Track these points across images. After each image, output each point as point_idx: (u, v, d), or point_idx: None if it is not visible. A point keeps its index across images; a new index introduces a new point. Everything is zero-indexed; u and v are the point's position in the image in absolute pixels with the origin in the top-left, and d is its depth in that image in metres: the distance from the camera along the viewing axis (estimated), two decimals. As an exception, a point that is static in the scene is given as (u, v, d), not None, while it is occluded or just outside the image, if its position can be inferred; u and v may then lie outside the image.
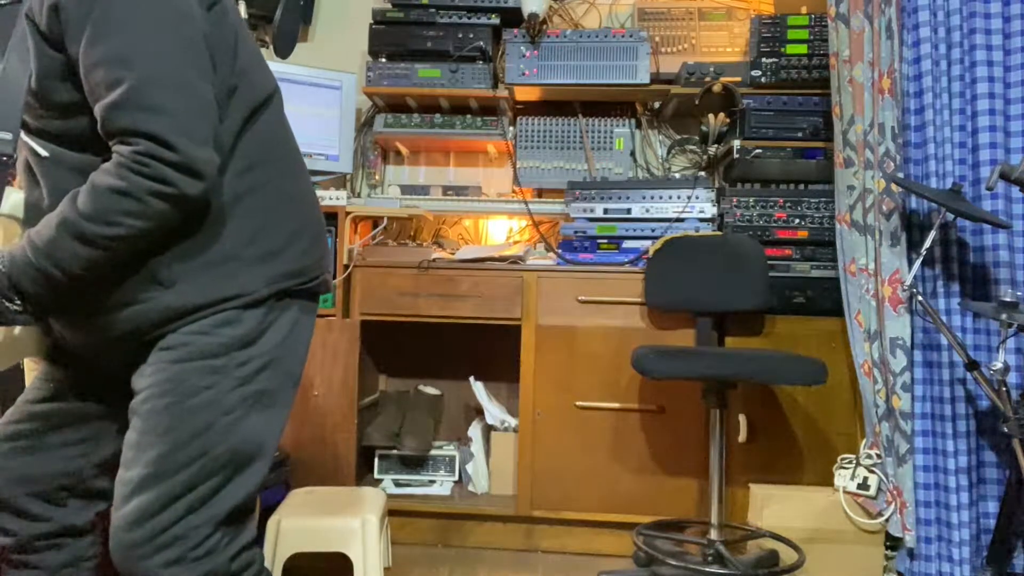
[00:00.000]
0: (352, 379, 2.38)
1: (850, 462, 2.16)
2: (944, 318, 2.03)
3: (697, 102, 2.55)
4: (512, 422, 2.50)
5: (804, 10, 2.55)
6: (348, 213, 2.47)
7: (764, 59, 2.51)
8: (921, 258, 2.04)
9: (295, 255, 1.19)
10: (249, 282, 1.12)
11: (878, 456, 2.12)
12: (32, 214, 1.13)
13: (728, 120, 2.55)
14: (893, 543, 2.13)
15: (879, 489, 2.09)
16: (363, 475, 2.52)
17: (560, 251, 2.51)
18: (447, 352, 2.81)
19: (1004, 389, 1.80)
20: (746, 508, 2.22)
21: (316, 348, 2.32)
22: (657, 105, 2.85)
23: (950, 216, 2.03)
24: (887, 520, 2.07)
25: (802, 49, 2.50)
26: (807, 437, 2.29)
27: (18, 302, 1.07)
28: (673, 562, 1.97)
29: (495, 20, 2.67)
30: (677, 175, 2.82)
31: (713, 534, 2.04)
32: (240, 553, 1.10)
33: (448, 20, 2.67)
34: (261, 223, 1.15)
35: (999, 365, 1.79)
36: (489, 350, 2.69)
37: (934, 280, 2.09)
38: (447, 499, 2.45)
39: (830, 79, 2.22)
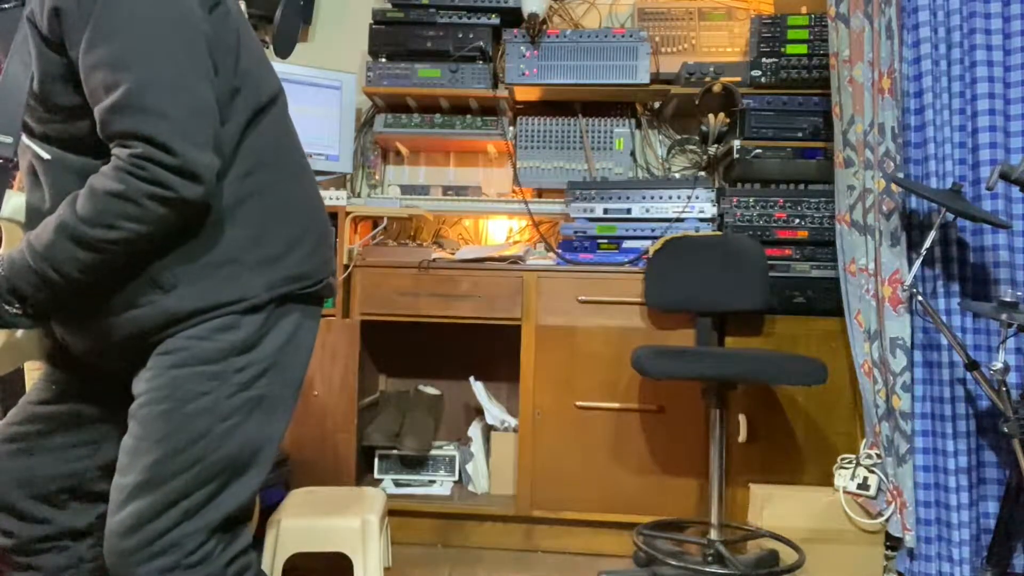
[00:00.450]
0: (352, 379, 2.38)
1: (850, 462, 2.16)
2: (944, 318, 2.03)
3: (697, 102, 2.55)
4: (512, 422, 2.50)
5: (804, 10, 2.55)
6: (348, 213, 2.47)
7: (764, 59, 2.51)
8: (921, 258, 2.04)
9: (297, 259, 1.18)
10: (250, 287, 1.11)
11: (878, 456, 2.12)
12: (34, 217, 1.12)
13: (728, 120, 2.55)
14: (893, 543, 2.13)
15: (879, 489, 2.09)
16: (363, 475, 2.52)
17: (560, 251, 2.51)
18: (447, 352, 2.81)
19: (1004, 389, 1.80)
20: (746, 508, 2.22)
21: (316, 348, 2.29)
22: (657, 105, 2.85)
23: (950, 216, 2.03)
24: (887, 520, 2.07)
25: (802, 49, 2.50)
26: (807, 437, 2.29)
27: (17, 306, 1.06)
28: (673, 562, 1.97)
29: (495, 20, 2.67)
30: (677, 175, 2.82)
31: (713, 534, 2.04)
32: (235, 559, 1.10)
33: (448, 20, 2.67)
34: (262, 227, 1.14)
35: (999, 365, 1.79)
36: (489, 350, 2.69)
37: (934, 280, 2.09)
38: (447, 499, 2.45)
39: (830, 79, 2.22)
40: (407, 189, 2.81)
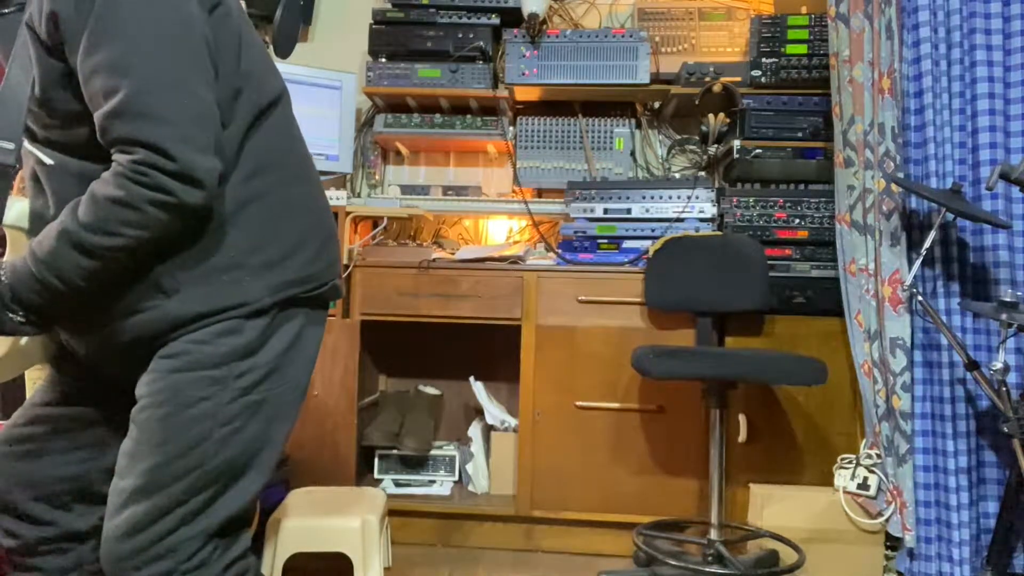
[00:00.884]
0: (352, 379, 2.38)
1: (850, 462, 2.16)
2: (944, 318, 2.03)
3: (697, 102, 2.55)
4: (512, 422, 2.50)
5: (804, 10, 2.55)
6: (348, 213, 2.47)
7: (764, 59, 2.51)
8: (921, 258, 2.04)
9: (301, 262, 1.17)
10: (253, 291, 1.11)
11: (878, 456, 2.12)
12: (37, 223, 1.12)
13: (728, 120, 2.55)
14: (893, 543, 2.13)
15: (879, 489, 2.09)
16: (363, 475, 2.52)
17: (560, 251, 2.51)
18: (447, 352, 2.81)
19: (1004, 389, 1.80)
20: (746, 508, 2.22)
21: (316, 348, 2.31)
22: (657, 105, 2.85)
23: (950, 216, 2.03)
24: (887, 520, 2.07)
25: (802, 49, 2.50)
26: (807, 437, 2.29)
27: (21, 313, 1.06)
28: (673, 562, 1.97)
29: (495, 20, 2.67)
30: (677, 175, 2.82)
31: (713, 534, 2.04)
32: (234, 563, 1.10)
33: (448, 20, 2.67)
34: (266, 230, 1.13)
35: (999, 365, 1.79)
36: (489, 350, 2.69)
37: (934, 280, 2.09)
38: (447, 499, 2.45)
39: (830, 79, 2.22)
40: (407, 189, 2.81)
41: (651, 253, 2.34)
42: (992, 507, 2.02)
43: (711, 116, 2.56)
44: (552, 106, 2.81)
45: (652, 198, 2.49)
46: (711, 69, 2.54)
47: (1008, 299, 1.76)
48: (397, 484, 2.51)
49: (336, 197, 2.43)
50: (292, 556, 1.85)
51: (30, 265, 1.03)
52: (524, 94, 2.74)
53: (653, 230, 2.46)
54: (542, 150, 2.76)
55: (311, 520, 1.89)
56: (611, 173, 2.72)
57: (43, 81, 1.05)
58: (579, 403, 2.35)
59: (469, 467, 2.55)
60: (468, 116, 2.74)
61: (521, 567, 2.26)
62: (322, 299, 1.24)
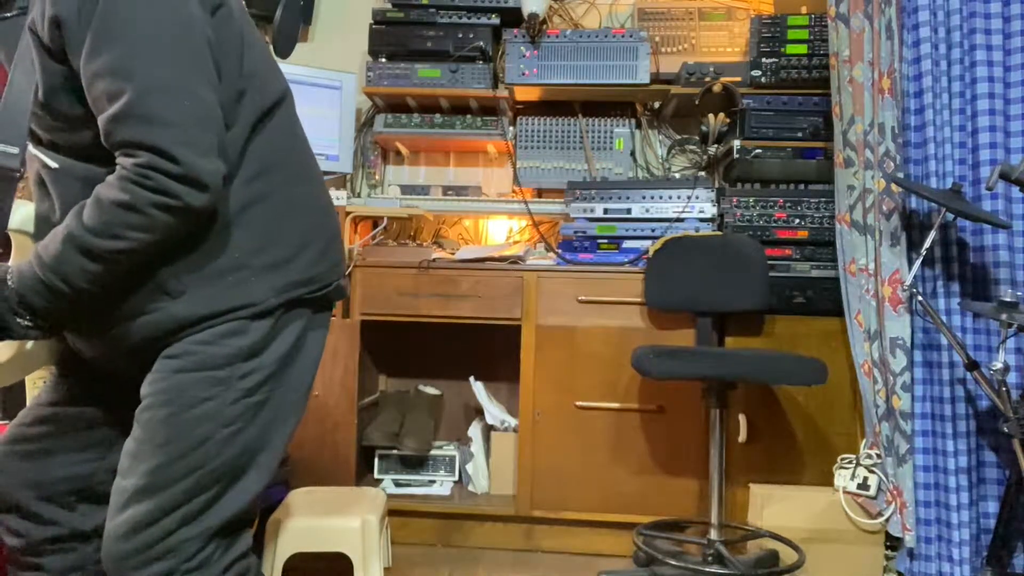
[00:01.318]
0: (352, 379, 2.38)
1: (850, 462, 2.16)
2: (944, 318, 2.03)
3: (697, 102, 2.55)
4: (512, 422, 2.50)
5: (804, 10, 2.55)
6: (348, 213, 2.47)
7: (764, 59, 2.51)
8: (921, 258, 2.04)
9: (306, 263, 1.17)
10: (258, 292, 1.11)
11: (878, 456, 2.12)
12: (43, 227, 1.12)
13: (728, 120, 2.55)
14: (893, 543, 2.13)
15: (879, 489, 2.09)
16: (363, 475, 2.52)
17: (560, 251, 2.51)
18: (447, 352, 2.81)
19: (1004, 389, 1.80)
20: (746, 508, 2.22)
21: (316, 348, 2.31)
22: (657, 105, 2.85)
23: (950, 216, 2.03)
24: (887, 520, 2.07)
25: (802, 49, 2.50)
26: (807, 437, 2.29)
27: (28, 318, 1.06)
28: (673, 562, 1.97)
29: (495, 20, 2.67)
30: (677, 175, 2.82)
31: (713, 534, 2.04)
32: (234, 563, 1.10)
33: (448, 20, 2.67)
34: (270, 231, 1.13)
35: (999, 365, 1.79)
36: (489, 350, 2.69)
37: (934, 280, 2.09)
38: (447, 499, 2.45)
39: (830, 79, 2.22)
40: (407, 189, 2.81)
41: (651, 253, 2.34)
42: (992, 507, 2.01)
43: (711, 116, 2.56)
44: (552, 106, 2.81)
45: (652, 198, 2.49)
46: (711, 69, 2.54)
47: (1008, 299, 1.76)
48: (397, 484, 2.51)
49: (336, 197, 2.43)
50: (292, 556, 1.85)
51: (36, 269, 1.03)
52: (524, 94, 2.74)
53: (653, 230, 2.46)
54: (542, 150, 2.76)
55: (311, 520, 1.89)
56: (611, 173, 2.72)
57: (46, 85, 1.05)
58: (579, 403, 2.35)
59: (469, 467, 2.55)
60: (468, 116, 2.74)
61: (521, 567, 2.26)
62: (326, 300, 1.24)
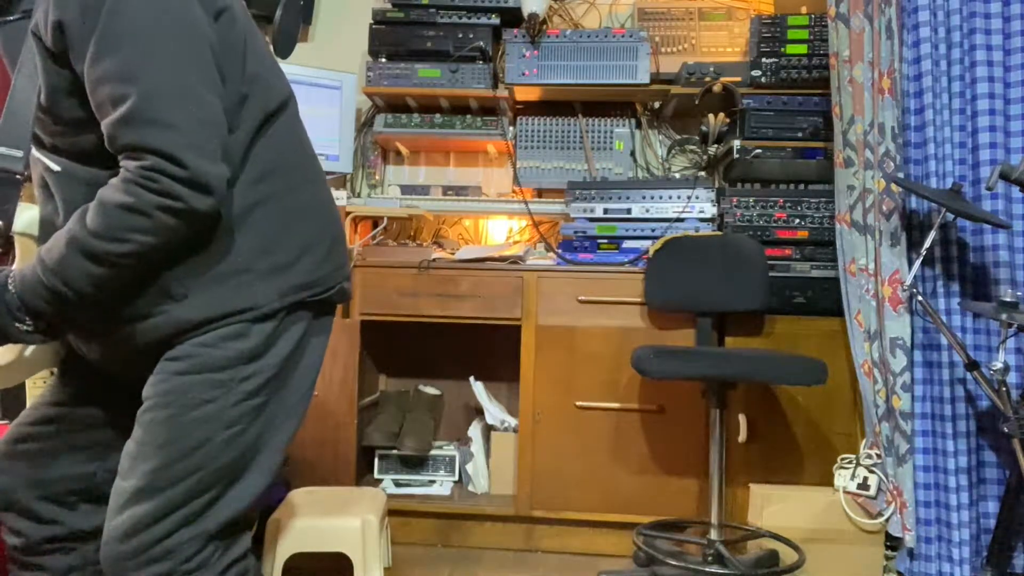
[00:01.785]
0: (352, 379, 2.38)
1: (850, 462, 2.16)
2: (944, 318, 2.03)
3: (697, 102, 2.55)
4: (512, 422, 2.50)
5: (804, 10, 2.55)
6: (348, 213, 2.48)
7: (764, 59, 2.51)
8: (921, 258, 2.04)
9: (309, 266, 1.17)
10: (261, 295, 1.11)
11: (878, 456, 2.12)
12: (47, 230, 1.12)
13: (728, 120, 2.55)
14: (893, 543, 2.13)
15: (879, 489, 2.09)
16: (363, 475, 2.52)
17: (560, 251, 2.51)
18: (447, 352, 2.81)
19: (1004, 389, 1.80)
20: (746, 508, 2.22)
21: (316, 348, 2.31)
22: (657, 105, 2.85)
23: (950, 216, 2.03)
24: (887, 520, 2.07)
25: (802, 49, 2.50)
26: (807, 437, 2.29)
27: (29, 322, 1.06)
28: (673, 562, 1.97)
29: (495, 20, 2.67)
30: (677, 175, 2.82)
31: (713, 534, 2.04)
32: (233, 565, 1.10)
33: (448, 20, 2.67)
34: (273, 234, 1.13)
35: (999, 365, 1.79)
36: (489, 350, 2.69)
37: (934, 280, 2.09)
38: (447, 499, 2.44)
39: (830, 79, 2.22)
40: (407, 189, 2.81)
41: (651, 253, 2.34)
42: (992, 507, 2.01)
43: (711, 116, 2.56)
44: (552, 106, 2.81)
45: (652, 198, 2.49)
46: (711, 69, 2.54)
47: (1008, 299, 1.76)
48: (397, 484, 2.51)
49: (336, 197, 2.41)
50: (292, 556, 1.85)
51: (39, 273, 1.02)
52: (524, 94, 2.74)
53: (653, 230, 2.46)
54: (542, 150, 2.76)
55: (311, 520, 1.89)
56: (611, 173, 2.72)
57: (48, 88, 1.05)
58: (579, 403, 2.35)
59: (469, 467, 2.55)
60: (468, 116, 2.74)
61: (521, 567, 2.26)
62: (329, 303, 1.23)
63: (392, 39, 2.68)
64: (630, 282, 2.36)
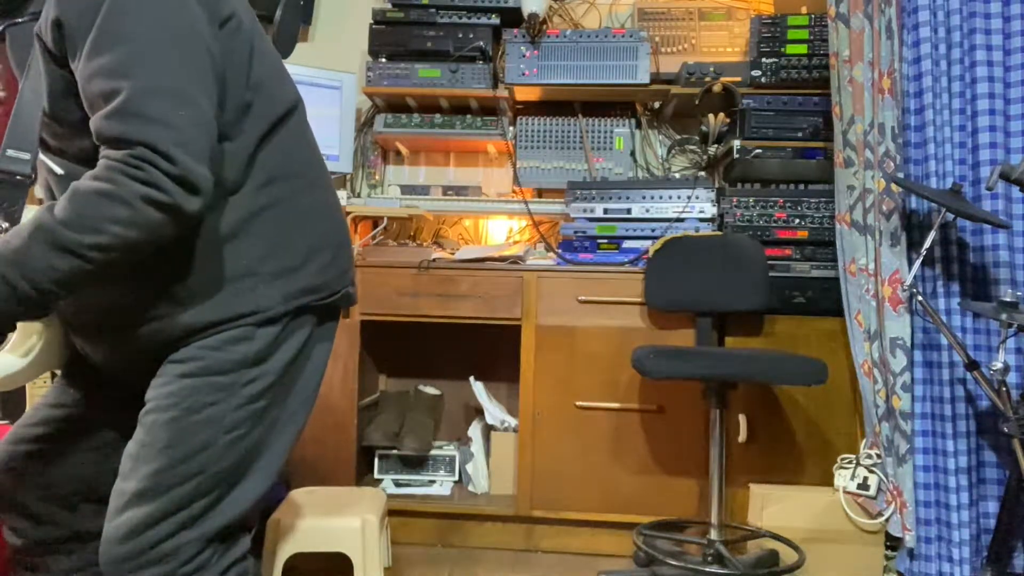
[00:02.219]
0: (352, 379, 2.38)
1: (850, 462, 2.16)
2: (944, 318, 2.03)
3: (697, 102, 2.55)
4: (512, 422, 2.50)
5: (804, 10, 2.55)
6: (348, 213, 2.47)
7: (764, 59, 2.51)
8: (921, 258, 2.04)
9: (314, 271, 1.17)
10: (266, 299, 1.11)
11: (878, 456, 2.12)
12: None
13: (728, 120, 2.55)
14: (893, 543, 2.13)
15: (879, 489, 2.09)
16: (363, 475, 2.52)
17: (560, 251, 2.51)
18: (447, 352, 2.81)
19: (1004, 389, 1.80)
20: (746, 508, 2.22)
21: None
22: (657, 105, 2.85)
23: (950, 216, 2.03)
24: (887, 520, 2.07)
25: (802, 49, 2.50)
26: (807, 437, 2.29)
27: None
28: (673, 562, 1.97)
29: (495, 20, 2.67)
30: (677, 175, 2.83)
31: (713, 534, 2.04)
32: (231, 567, 1.10)
33: (448, 20, 2.67)
34: (279, 239, 1.13)
35: (999, 365, 1.79)
36: (489, 350, 2.69)
37: (934, 280, 2.09)
38: (447, 499, 2.45)
39: (830, 79, 2.22)
40: (407, 189, 2.81)
41: (651, 253, 2.34)
42: (992, 507, 2.01)
43: (711, 116, 2.56)
44: (552, 106, 2.80)
45: (652, 198, 2.49)
46: (711, 69, 2.54)
47: (1008, 299, 1.76)
48: (397, 484, 2.51)
49: (336, 197, 2.43)
50: (292, 556, 1.85)
51: None
52: (524, 94, 2.74)
53: (653, 230, 2.46)
54: (542, 150, 2.76)
55: (311, 520, 1.89)
56: (611, 173, 2.72)
57: (51, 90, 1.04)
58: (579, 403, 2.35)
59: (469, 467, 2.55)
60: (468, 116, 2.74)
61: (521, 567, 2.26)
62: (334, 308, 1.23)
63: (392, 39, 2.68)
64: (630, 282, 2.35)
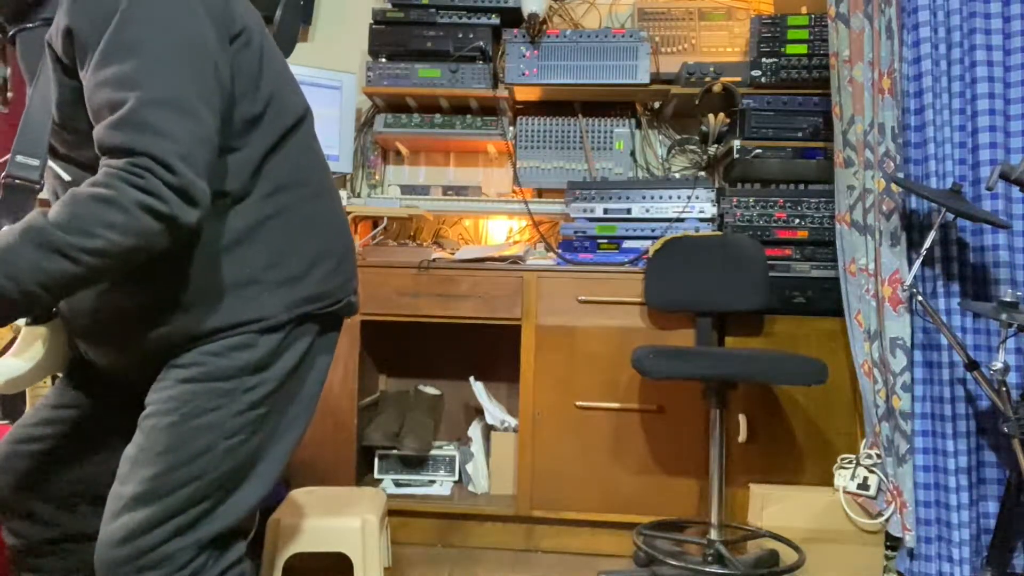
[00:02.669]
0: (352, 379, 2.38)
1: (850, 462, 2.16)
2: (944, 318, 2.03)
3: (697, 102, 2.55)
4: (512, 422, 2.50)
5: (804, 10, 2.55)
6: (348, 213, 2.47)
7: (764, 59, 2.51)
8: (921, 258, 2.04)
9: (318, 279, 1.17)
10: (269, 306, 1.11)
11: (878, 456, 2.12)
12: None
13: (728, 120, 2.55)
14: (893, 543, 2.13)
15: (879, 489, 2.09)
16: (363, 475, 2.52)
17: (560, 251, 2.51)
18: (447, 352, 2.81)
19: (1004, 389, 1.80)
20: (746, 508, 2.22)
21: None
22: (657, 105, 2.85)
23: (950, 216, 2.03)
24: (887, 520, 2.07)
25: (802, 49, 2.50)
26: (807, 437, 2.29)
27: None
28: (673, 562, 1.97)
29: (495, 20, 2.67)
30: (677, 175, 2.83)
31: (713, 534, 2.04)
32: (227, 570, 1.10)
33: (448, 20, 2.67)
34: (284, 247, 1.13)
35: (999, 365, 1.79)
36: (489, 350, 2.69)
37: (934, 280, 2.09)
38: (447, 499, 2.45)
39: (830, 79, 2.22)
40: (407, 189, 2.81)
41: (651, 253, 2.34)
42: (992, 507, 2.01)
43: (711, 116, 2.56)
44: (552, 106, 2.80)
45: (652, 198, 2.49)
46: (711, 69, 2.54)
47: (1008, 299, 1.76)
48: (397, 484, 2.51)
49: (336, 197, 2.43)
50: (292, 556, 1.85)
51: None
52: (524, 94, 2.74)
53: (653, 230, 2.46)
54: (542, 150, 2.76)
55: (311, 520, 1.89)
56: (611, 173, 2.72)
57: (60, 99, 1.04)
58: (579, 403, 2.35)
59: (469, 467, 2.55)
60: (468, 116, 2.74)
61: (521, 567, 2.26)
62: (336, 317, 1.24)
63: (392, 39, 2.68)
64: (630, 282, 2.35)
